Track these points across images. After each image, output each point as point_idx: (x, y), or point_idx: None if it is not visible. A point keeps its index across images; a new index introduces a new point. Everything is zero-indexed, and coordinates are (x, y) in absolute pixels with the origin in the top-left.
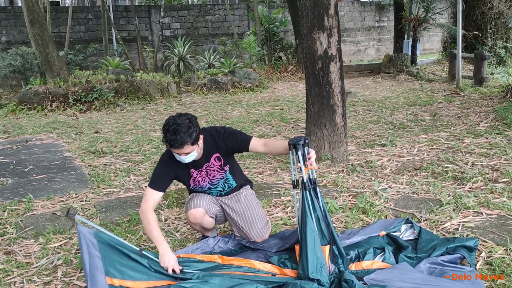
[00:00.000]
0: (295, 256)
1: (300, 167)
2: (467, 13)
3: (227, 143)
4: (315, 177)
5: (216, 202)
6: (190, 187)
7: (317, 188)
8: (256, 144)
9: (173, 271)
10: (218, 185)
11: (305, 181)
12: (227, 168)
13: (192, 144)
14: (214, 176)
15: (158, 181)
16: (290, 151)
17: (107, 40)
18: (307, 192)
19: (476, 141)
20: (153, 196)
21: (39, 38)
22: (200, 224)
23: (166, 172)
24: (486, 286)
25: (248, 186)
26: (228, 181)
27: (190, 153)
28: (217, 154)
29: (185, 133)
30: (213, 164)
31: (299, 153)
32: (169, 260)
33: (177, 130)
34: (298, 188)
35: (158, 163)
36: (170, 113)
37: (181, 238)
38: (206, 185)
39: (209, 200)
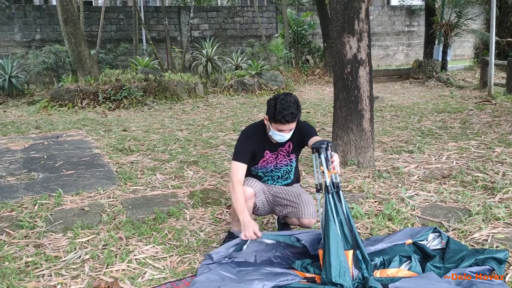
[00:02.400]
0: (318, 261)
1: (323, 171)
2: (500, 19)
3: (301, 134)
4: (339, 181)
5: (266, 191)
6: (256, 166)
7: (340, 192)
8: (314, 140)
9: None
10: (280, 170)
11: (328, 185)
12: (293, 157)
13: (298, 119)
14: (280, 160)
15: (242, 154)
16: (313, 155)
17: (137, 40)
18: (330, 196)
19: (508, 151)
20: (240, 169)
21: (72, 36)
22: (241, 205)
23: (249, 146)
24: None
25: (298, 184)
26: (290, 172)
27: (292, 130)
28: (290, 142)
29: (297, 108)
30: (285, 149)
31: (322, 156)
32: (248, 229)
33: (289, 106)
34: (322, 192)
35: (240, 138)
36: (196, 114)
37: (205, 238)
38: (270, 167)
39: (260, 187)
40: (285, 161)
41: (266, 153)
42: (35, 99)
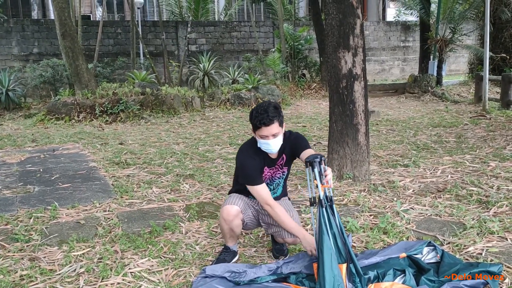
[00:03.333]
0: (312, 275)
1: (317, 184)
2: (494, 35)
3: (293, 146)
4: (332, 195)
5: (252, 206)
6: None
7: (334, 205)
8: (307, 153)
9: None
10: (273, 184)
11: (321, 198)
12: (285, 169)
13: (280, 124)
14: (275, 173)
15: (258, 176)
16: (307, 169)
17: (134, 54)
18: (324, 209)
19: (502, 165)
20: (265, 189)
21: (69, 50)
22: (231, 222)
23: (257, 166)
24: None
25: (286, 198)
26: (279, 185)
27: (277, 136)
28: (284, 154)
29: (274, 112)
30: (280, 163)
31: (316, 170)
32: (310, 244)
33: (265, 109)
34: (316, 205)
35: (246, 161)
36: (193, 127)
37: (201, 252)
38: (266, 181)
39: (245, 203)
40: (278, 173)
41: (265, 170)
42: (32, 113)
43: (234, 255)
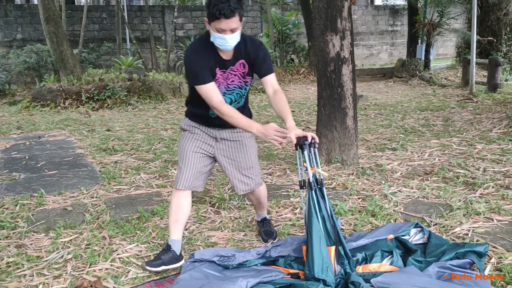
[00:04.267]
0: (301, 258)
1: (307, 168)
2: (482, 18)
3: (255, 54)
4: (322, 178)
5: (210, 151)
6: None
7: (324, 188)
8: (270, 81)
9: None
10: (233, 94)
11: (311, 181)
12: (248, 80)
13: (240, 19)
14: (232, 81)
15: (204, 73)
16: (297, 152)
17: (120, 39)
18: (313, 192)
19: (489, 147)
20: (213, 88)
21: (54, 36)
22: (180, 199)
23: (204, 62)
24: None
25: (251, 135)
26: (242, 96)
27: (235, 32)
28: (243, 61)
29: (236, 3)
30: (237, 69)
31: (305, 153)
32: (269, 131)
33: None
34: (305, 188)
35: (190, 58)
36: (181, 113)
37: (190, 236)
38: (222, 89)
39: (200, 165)
40: (239, 82)
41: (217, 71)
42: (17, 99)
43: (174, 259)
